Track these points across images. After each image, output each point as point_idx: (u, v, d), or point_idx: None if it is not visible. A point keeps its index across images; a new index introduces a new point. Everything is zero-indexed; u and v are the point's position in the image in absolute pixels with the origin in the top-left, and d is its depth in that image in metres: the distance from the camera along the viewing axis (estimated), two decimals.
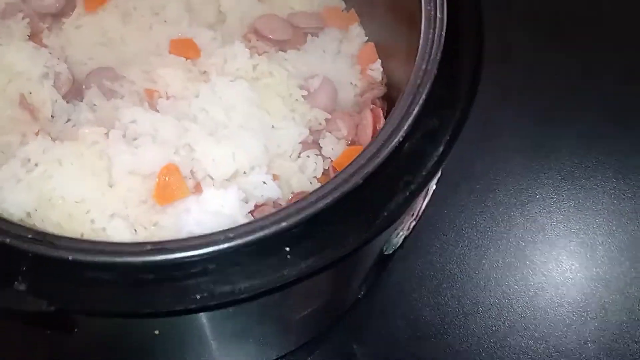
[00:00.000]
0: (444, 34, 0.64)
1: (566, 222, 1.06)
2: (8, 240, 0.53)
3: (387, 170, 0.58)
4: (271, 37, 0.81)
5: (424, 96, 0.61)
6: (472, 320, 0.98)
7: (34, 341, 0.91)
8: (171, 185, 0.66)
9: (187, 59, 0.77)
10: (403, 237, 0.75)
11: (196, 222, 0.64)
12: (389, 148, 0.58)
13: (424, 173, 0.59)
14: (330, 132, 0.77)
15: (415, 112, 0.60)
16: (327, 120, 0.78)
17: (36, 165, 0.66)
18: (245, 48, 0.78)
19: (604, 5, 1.26)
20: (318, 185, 0.74)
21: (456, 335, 0.97)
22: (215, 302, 0.53)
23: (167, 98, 0.74)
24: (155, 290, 0.53)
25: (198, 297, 0.52)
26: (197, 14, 0.84)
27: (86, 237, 0.64)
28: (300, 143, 0.75)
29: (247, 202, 0.67)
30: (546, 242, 1.04)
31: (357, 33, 0.86)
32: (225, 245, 0.53)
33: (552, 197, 1.08)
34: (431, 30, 0.65)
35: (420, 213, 0.76)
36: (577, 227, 1.06)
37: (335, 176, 0.58)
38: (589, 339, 0.97)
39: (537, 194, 1.08)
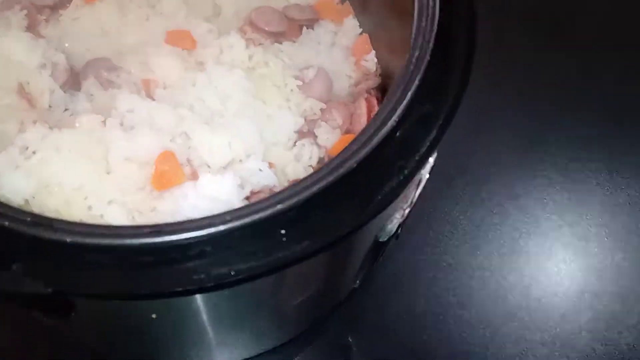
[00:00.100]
0: (436, 21, 0.65)
1: (560, 214, 1.07)
2: (7, 223, 0.53)
3: (381, 154, 0.59)
4: (266, 29, 0.82)
5: (417, 82, 0.62)
6: (467, 311, 0.99)
7: (34, 341, 0.92)
8: (168, 171, 0.67)
9: (183, 49, 0.78)
10: (397, 224, 0.76)
11: (193, 207, 0.65)
12: (382, 133, 0.59)
13: (417, 158, 0.60)
14: (325, 122, 0.78)
15: (408, 97, 0.61)
16: (322, 109, 0.78)
17: (34, 152, 0.67)
18: (241, 39, 0.79)
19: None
20: None
21: (451, 325, 0.98)
22: (212, 284, 0.53)
23: (164, 88, 0.75)
24: (153, 272, 0.53)
25: (195, 278, 0.53)
26: (193, 6, 0.84)
27: None
28: (295, 132, 0.76)
29: (243, 188, 0.68)
30: (540, 233, 1.05)
31: (351, 25, 0.87)
32: (222, 227, 0.54)
33: (545, 190, 1.09)
34: (424, 18, 0.65)
35: (413, 201, 0.77)
36: (571, 219, 1.07)
37: (330, 161, 0.58)
38: (583, 328, 0.98)
39: (530, 187, 1.09)
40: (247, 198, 0.68)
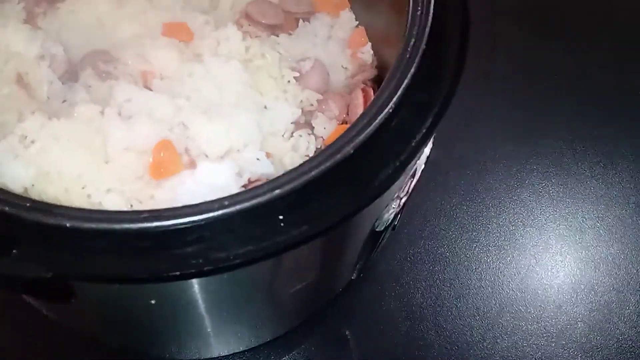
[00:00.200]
0: (431, 11, 0.66)
1: (555, 206, 1.08)
2: (7, 208, 0.54)
3: (378, 140, 0.59)
4: (263, 21, 0.83)
5: (412, 70, 0.62)
6: (464, 303, 0.99)
7: (34, 341, 0.92)
8: (166, 160, 0.67)
9: (180, 41, 0.78)
10: (393, 214, 0.77)
11: (191, 195, 0.65)
12: (379, 119, 0.60)
13: (413, 144, 0.61)
14: (322, 112, 0.79)
15: (404, 84, 0.61)
16: (318, 100, 0.79)
17: (33, 141, 0.67)
18: (237, 31, 0.79)
19: None
20: None
21: (448, 317, 0.98)
22: (210, 268, 0.54)
23: (161, 79, 0.75)
24: (151, 256, 0.54)
25: (194, 262, 0.54)
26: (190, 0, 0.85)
27: None
28: (292, 123, 0.77)
29: (241, 176, 0.68)
30: (535, 226, 1.06)
31: (347, 18, 0.88)
32: (220, 212, 0.54)
33: (541, 182, 1.10)
34: (419, 8, 0.66)
35: (409, 191, 0.77)
36: (566, 211, 1.07)
37: (327, 147, 0.59)
38: (579, 319, 0.98)
39: (526, 179, 1.10)
40: (244, 186, 0.68)
